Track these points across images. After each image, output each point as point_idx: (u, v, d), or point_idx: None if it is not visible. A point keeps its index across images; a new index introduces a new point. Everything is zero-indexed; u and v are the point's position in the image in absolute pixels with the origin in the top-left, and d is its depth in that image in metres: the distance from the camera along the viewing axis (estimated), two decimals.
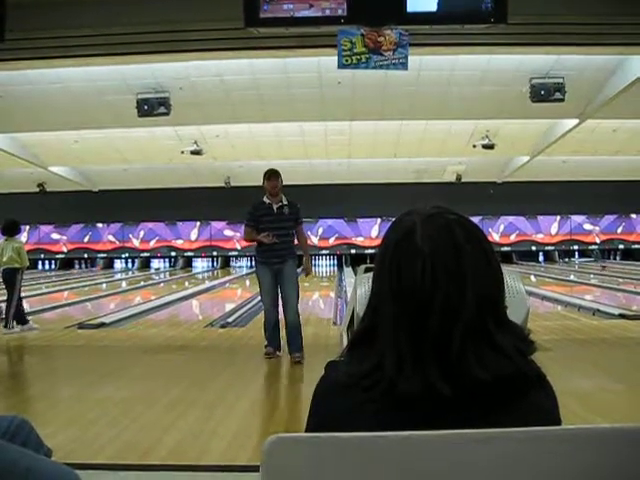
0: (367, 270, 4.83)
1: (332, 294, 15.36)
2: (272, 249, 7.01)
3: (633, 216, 26.45)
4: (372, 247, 25.03)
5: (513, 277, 3.10)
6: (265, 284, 6.97)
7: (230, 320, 10.74)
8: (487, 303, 1.20)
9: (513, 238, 26.17)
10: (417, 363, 1.17)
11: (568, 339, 8.32)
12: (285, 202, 7.16)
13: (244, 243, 25.91)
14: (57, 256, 26.66)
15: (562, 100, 11.46)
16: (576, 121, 14.48)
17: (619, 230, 26.48)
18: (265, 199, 7.10)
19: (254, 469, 3.33)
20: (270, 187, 7.00)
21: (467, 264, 1.20)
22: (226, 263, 27.05)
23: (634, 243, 26.62)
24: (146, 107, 11.97)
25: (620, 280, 17.53)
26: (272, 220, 7.05)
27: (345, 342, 4.26)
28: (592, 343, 8.03)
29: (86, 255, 26.69)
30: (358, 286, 3.48)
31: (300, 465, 1.07)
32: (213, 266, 26.99)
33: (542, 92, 11.36)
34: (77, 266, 27.06)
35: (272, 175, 6.98)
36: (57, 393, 5.86)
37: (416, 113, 14.01)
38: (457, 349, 1.16)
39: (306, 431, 1.22)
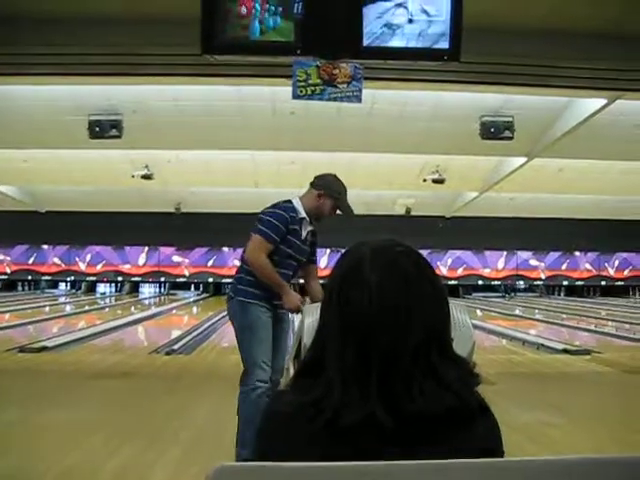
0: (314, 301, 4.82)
1: None
2: None
3: (577, 253, 27.12)
4: (320, 277, 24.75)
5: (460, 309, 3.12)
6: (262, 330, 4.57)
7: (176, 347, 10.68)
8: (433, 335, 1.21)
9: (460, 272, 26.56)
10: (362, 394, 1.17)
11: (513, 373, 8.40)
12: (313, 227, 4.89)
13: (193, 269, 26.27)
14: (0, 277, 26.27)
15: (511, 138, 11.65)
16: (524, 159, 14.70)
17: (563, 267, 27.13)
18: (299, 210, 4.70)
19: None
20: (331, 209, 4.80)
21: (414, 296, 1.21)
22: (173, 287, 27.03)
23: (578, 280, 27.29)
24: (98, 129, 11.83)
25: (564, 315, 17.93)
26: (298, 246, 4.75)
27: (291, 372, 4.27)
28: (536, 377, 8.12)
29: (30, 277, 26.36)
30: (306, 316, 3.47)
31: None
32: (160, 292, 26.95)
33: (492, 130, 11.55)
34: (20, 288, 26.69)
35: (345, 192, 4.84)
36: None
37: (369, 146, 14.04)
38: (401, 381, 1.17)
39: (250, 460, 1.21)
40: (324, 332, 1.26)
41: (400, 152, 14.99)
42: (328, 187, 4.69)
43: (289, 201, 4.64)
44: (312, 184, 4.72)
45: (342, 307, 1.23)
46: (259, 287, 4.53)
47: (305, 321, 3.38)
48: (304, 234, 4.73)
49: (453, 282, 25.88)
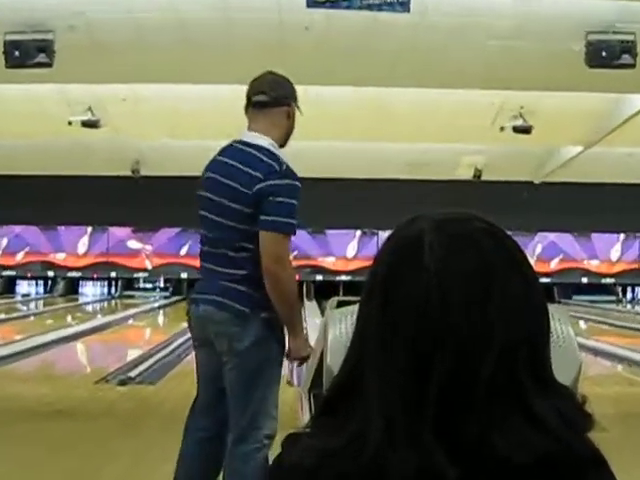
0: (340, 305, 4.79)
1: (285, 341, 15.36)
2: None
3: None
4: (347, 272, 25.30)
5: (561, 319, 3.14)
6: (281, 363, 4.91)
7: (133, 374, 10.75)
8: (523, 353, 1.20)
9: (555, 265, 26.44)
10: (414, 433, 1.17)
11: (632, 414, 8.38)
12: None
13: (158, 260, 26.46)
14: None
15: (632, 66, 11.52)
16: None
17: None
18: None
19: None
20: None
21: (496, 295, 1.20)
22: (129, 287, 27.19)
23: None
24: (18, 53, 11.85)
25: None
26: None
27: (305, 409, 4.34)
28: None
29: None
30: (328, 328, 3.49)
31: None
32: (110, 293, 26.98)
33: (603, 53, 11.44)
34: None
35: None
36: None
37: (415, 78, 14.03)
38: (474, 416, 1.17)
39: None
40: (361, 346, 1.26)
41: (465, 86, 14.99)
42: (293, 93, 4.91)
43: (269, 152, 4.69)
44: (268, 102, 4.81)
45: (388, 309, 1.22)
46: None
47: (329, 334, 3.38)
48: None
49: (545, 280, 25.67)
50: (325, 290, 23.25)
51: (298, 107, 4.87)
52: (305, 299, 24.20)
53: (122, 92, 16.75)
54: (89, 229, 26.33)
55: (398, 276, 1.23)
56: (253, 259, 4.53)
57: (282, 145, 4.78)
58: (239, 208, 4.53)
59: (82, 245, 26.46)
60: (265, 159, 4.58)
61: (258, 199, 4.48)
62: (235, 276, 4.59)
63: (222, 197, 4.60)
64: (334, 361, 3.20)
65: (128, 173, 23.53)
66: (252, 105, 4.79)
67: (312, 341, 4.87)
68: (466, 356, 1.17)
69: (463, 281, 1.19)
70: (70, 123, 17.79)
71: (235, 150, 4.72)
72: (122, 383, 10.14)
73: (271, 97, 4.75)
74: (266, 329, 4.56)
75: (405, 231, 1.27)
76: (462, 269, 1.20)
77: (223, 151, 4.78)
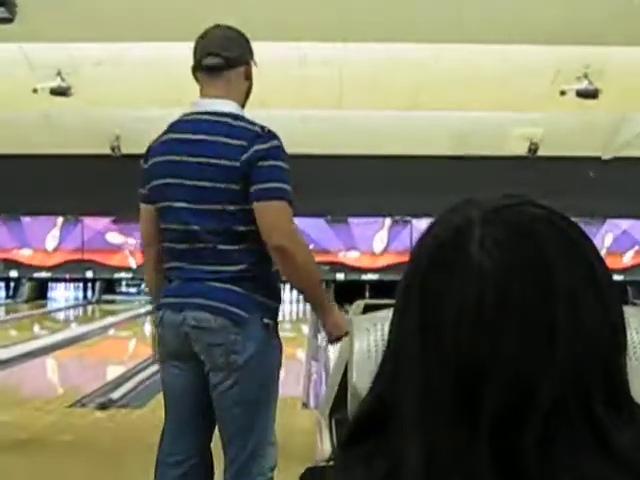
0: (367, 309, 4.55)
1: (300, 354, 15.39)
2: None
3: None
4: (375, 270, 25.22)
5: (638, 327, 3.11)
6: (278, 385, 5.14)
7: (115, 396, 10.79)
8: (594, 369, 1.20)
9: (629, 259, 26.34)
10: (462, 463, 1.17)
11: None
12: None
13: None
14: None
15: None
16: None
17: None
18: None
19: None
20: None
21: (561, 297, 1.19)
22: (109, 290, 27.27)
23: None
24: None
25: None
26: None
27: (325, 437, 4.36)
28: None
29: None
30: (354, 339, 3.49)
31: None
32: (86, 298, 27.08)
33: None
34: None
35: None
36: None
37: (460, 31, 14.00)
38: (534, 446, 1.16)
39: None
40: (395, 365, 1.26)
41: (518, 41, 14.98)
42: (248, 49, 4.99)
43: (242, 117, 4.80)
44: (222, 65, 4.84)
45: (428, 322, 1.22)
46: (275, 313, 4.83)
47: (354, 347, 3.43)
48: None
49: (617, 277, 25.53)
50: (348, 292, 22.84)
51: (255, 62, 4.95)
52: None
53: (98, 53, 16.71)
54: (59, 220, 26.14)
55: (440, 273, 1.22)
56: (251, 249, 4.59)
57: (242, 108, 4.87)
58: (224, 187, 4.54)
59: (51, 239, 26.24)
60: (243, 124, 4.66)
61: (247, 170, 4.52)
62: (229, 274, 4.60)
63: (199, 179, 4.59)
64: (361, 380, 3.12)
65: (107, 151, 23.55)
66: (202, 69, 4.81)
67: (333, 354, 4.87)
68: (526, 372, 1.17)
69: (520, 285, 1.19)
70: (35, 91, 17.66)
71: (198, 122, 4.73)
72: (101, 407, 10.12)
73: (225, 59, 4.79)
74: (267, 336, 4.66)
75: (448, 222, 1.27)
76: (519, 270, 1.20)
77: (178, 127, 4.81)
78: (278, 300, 4.84)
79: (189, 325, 4.55)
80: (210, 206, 4.56)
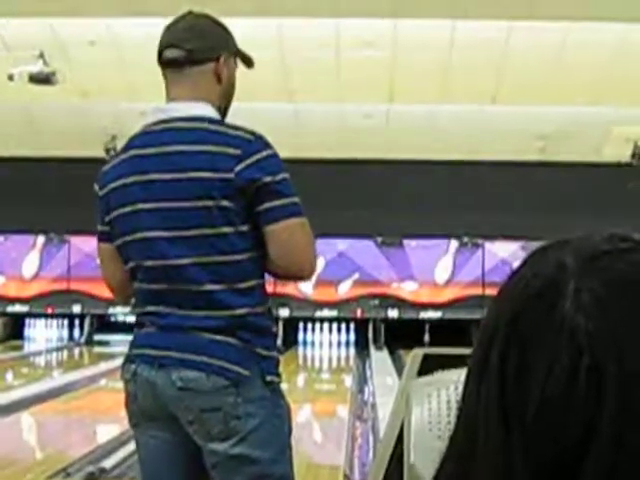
0: (428, 360, 3.85)
1: (342, 412, 15.67)
2: None
3: None
4: (437, 305, 25.06)
5: None
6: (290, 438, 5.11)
7: (107, 464, 10.75)
8: None
9: None
10: None
11: None
12: None
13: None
14: None
15: None
16: None
17: None
18: None
19: None
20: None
21: None
22: (102, 328, 27.22)
23: None
24: None
25: None
26: None
27: None
28: None
29: None
30: (411, 406, 3.19)
31: None
32: (72, 338, 27.13)
33: None
34: None
35: None
36: None
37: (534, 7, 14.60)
38: None
39: None
40: (469, 443, 1.25)
41: (621, 18, 15.65)
42: (223, 41, 4.83)
43: (224, 122, 4.71)
44: (182, 59, 4.61)
45: (513, 384, 1.20)
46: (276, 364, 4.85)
47: (411, 416, 3.11)
48: None
49: None
50: (402, 333, 23.79)
51: (245, 58, 4.89)
52: (372, 347, 24.52)
53: (90, 32, 17.39)
54: (40, 239, 26.37)
55: (529, 327, 1.23)
56: (248, 287, 4.46)
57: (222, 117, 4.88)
58: (213, 204, 4.31)
59: (30, 264, 26.46)
60: (230, 131, 4.53)
61: (243, 184, 4.35)
62: (221, 320, 4.42)
63: (178, 199, 4.39)
64: (422, 458, 2.75)
65: (100, 154, 22.53)
66: (162, 64, 4.62)
67: (383, 416, 5.45)
68: (630, 463, 1.15)
69: (627, 351, 1.18)
70: (11, 78, 17.79)
71: (169, 132, 4.49)
72: (90, 478, 10.13)
73: (187, 51, 4.60)
74: (271, 397, 4.51)
75: (537, 267, 1.28)
76: (624, 333, 1.18)
77: (142, 141, 4.50)
78: (276, 349, 4.84)
79: (174, 387, 4.34)
80: (195, 232, 4.36)
